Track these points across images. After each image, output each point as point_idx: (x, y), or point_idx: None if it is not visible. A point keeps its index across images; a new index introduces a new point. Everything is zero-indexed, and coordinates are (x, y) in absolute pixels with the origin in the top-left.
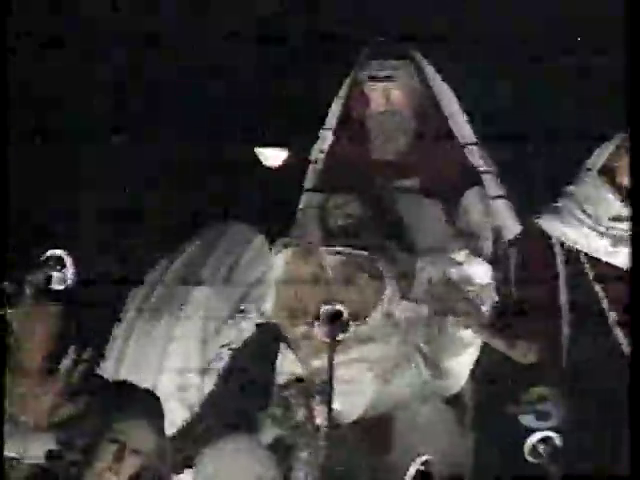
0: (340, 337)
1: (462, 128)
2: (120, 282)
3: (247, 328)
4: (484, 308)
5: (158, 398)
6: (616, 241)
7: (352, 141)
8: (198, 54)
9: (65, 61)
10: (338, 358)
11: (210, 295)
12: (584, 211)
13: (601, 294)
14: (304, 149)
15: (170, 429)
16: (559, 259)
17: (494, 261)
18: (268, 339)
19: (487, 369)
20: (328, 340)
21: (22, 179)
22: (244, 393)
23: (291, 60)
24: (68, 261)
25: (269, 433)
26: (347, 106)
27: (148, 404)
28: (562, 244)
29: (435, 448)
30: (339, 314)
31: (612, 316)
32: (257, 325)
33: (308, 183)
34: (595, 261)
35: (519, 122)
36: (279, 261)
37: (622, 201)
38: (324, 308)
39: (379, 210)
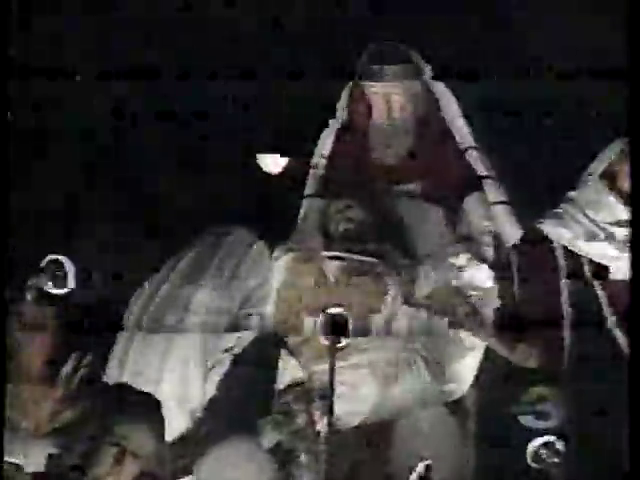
0: (341, 342)
1: (462, 132)
2: (120, 286)
3: (248, 333)
4: (486, 312)
5: (158, 402)
6: (618, 245)
7: (353, 146)
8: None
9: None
10: (339, 363)
11: (211, 300)
12: (586, 215)
13: (602, 298)
14: (305, 154)
15: (171, 435)
16: (561, 263)
17: (496, 266)
18: (269, 344)
19: (488, 373)
20: (329, 345)
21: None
22: (245, 398)
23: (292, 63)
24: (68, 265)
25: (270, 438)
26: (348, 111)
27: (148, 408)
28: (564, 248)
29: (437, 453)
30: (340, 319)
31: (612, 319)
32: (258, 330)
33: (309, 188)
34: (596, 265)
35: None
36: (280, 267)
37: (624, 205)
38: (325, 313)
39: (380, 215)
